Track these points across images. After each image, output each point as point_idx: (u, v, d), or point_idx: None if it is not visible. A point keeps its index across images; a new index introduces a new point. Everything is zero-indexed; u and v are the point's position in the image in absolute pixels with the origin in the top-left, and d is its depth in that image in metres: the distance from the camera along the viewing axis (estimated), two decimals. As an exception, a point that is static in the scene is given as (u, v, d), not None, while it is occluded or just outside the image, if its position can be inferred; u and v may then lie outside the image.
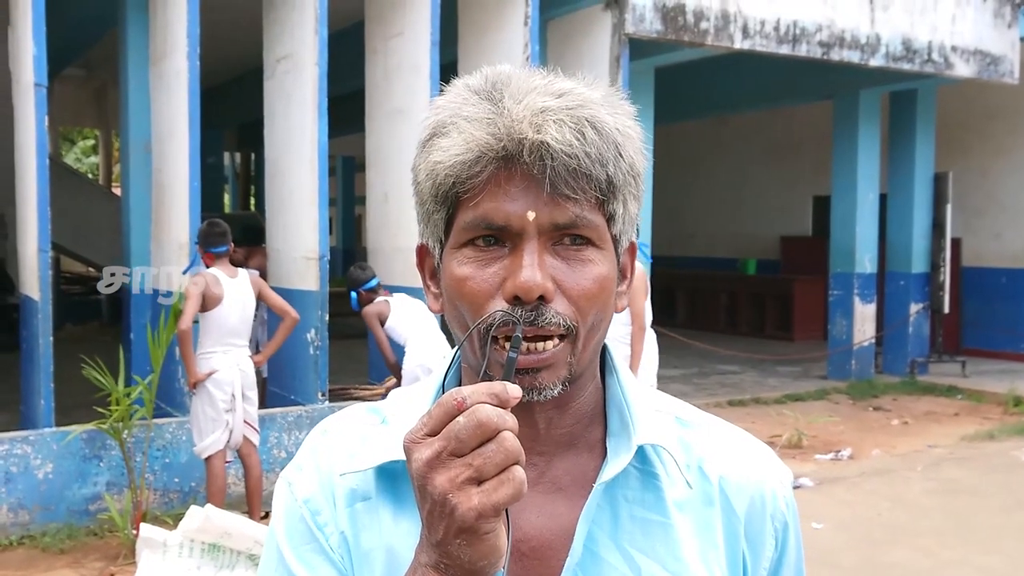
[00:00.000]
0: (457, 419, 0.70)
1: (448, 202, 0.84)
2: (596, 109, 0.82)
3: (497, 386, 0.72)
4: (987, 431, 8.30)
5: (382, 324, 6.04)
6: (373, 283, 6.20)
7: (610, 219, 0.85)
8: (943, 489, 6.56)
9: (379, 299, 6.12)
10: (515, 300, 0.81)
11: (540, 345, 0.81)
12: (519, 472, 0.70)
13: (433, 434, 0.71)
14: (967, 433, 8.25)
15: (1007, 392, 9.46)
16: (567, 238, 0.83)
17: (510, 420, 0.71)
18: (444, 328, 6.08)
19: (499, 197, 0.81)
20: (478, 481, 0.70)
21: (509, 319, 0.80)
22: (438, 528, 0.71)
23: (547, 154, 0.79)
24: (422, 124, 0.86)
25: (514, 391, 0.72)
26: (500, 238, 0.82)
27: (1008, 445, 7.83)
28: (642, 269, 6.05)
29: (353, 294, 6.22)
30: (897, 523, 5.81)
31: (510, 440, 0.70)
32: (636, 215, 0.88)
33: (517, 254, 0.81)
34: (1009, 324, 12.05)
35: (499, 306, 0.81)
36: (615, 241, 0.87)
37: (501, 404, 0.71)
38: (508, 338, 0.81)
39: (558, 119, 0.80)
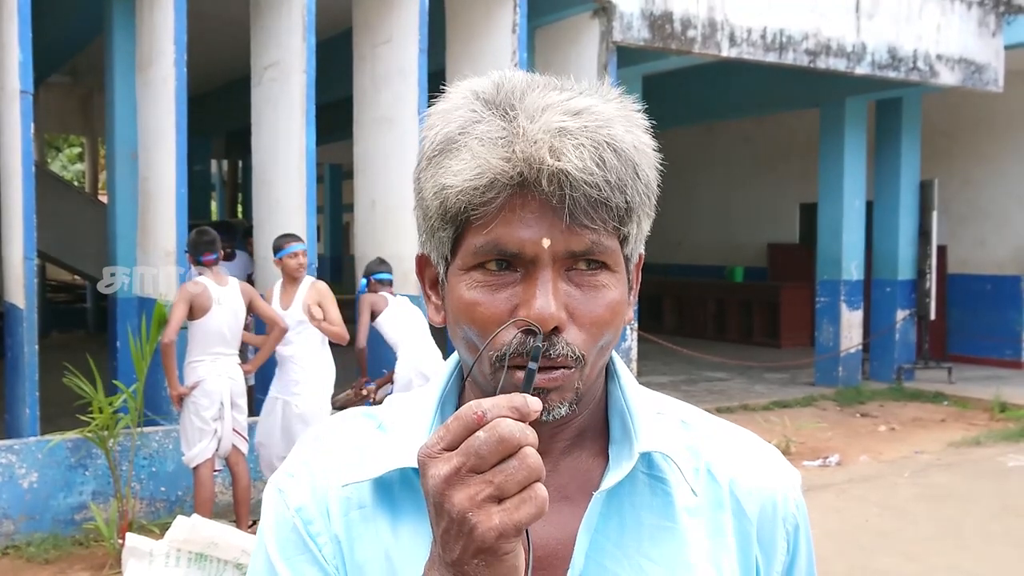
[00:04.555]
0: (477, 434, 0.67)
1: (456, 223, 0.80)
2: (614, 127, 0.78)
3: (518, 399, 0.69)
4: (973, 437, 8.34)
5: (373, 318, 6.01)
6: (381, 276, 6.13)
7: (624, 240, 0.82)
8: (930, 495, 6.58)
9: (381, 292, 6.10)
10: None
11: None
12: (541, 490, 0.67)
13: (450, 448, 0.68)
14: (954, 439, 8.28)
15: (992, 398, 9.51)
16: (581, 263, 0.80)
17: (531, 435, 0.68)
18: (434, 333, 6.06)
19: (512, 223, 0.78)
20: (498, 499, 0.67)
21: (523, 350, 0.77)
22: (454, 547, 0.68)
23: (566, 183, 0.76)
24: (427, 132, 0.82)
25: (534, 404, 0.69)
26: (511, 263, 0.79)
27: (994, 451, 7.87)
28: (323, 284, 5.61)
29: (364, 281, 6.24)
30: (885, 529, 5.83)
31: (532, 456, 0.67)
32: (647, 230, 0.86)
33: (530, 282, 0.78)
34: (994, 331, 12.11)
35: (510, 332, 0.78)
36: (627, 260, 0.84)
37: (522, 418, 0.68)
38: (520, 364, 0.78)
39: (577, 143, 0.76)
